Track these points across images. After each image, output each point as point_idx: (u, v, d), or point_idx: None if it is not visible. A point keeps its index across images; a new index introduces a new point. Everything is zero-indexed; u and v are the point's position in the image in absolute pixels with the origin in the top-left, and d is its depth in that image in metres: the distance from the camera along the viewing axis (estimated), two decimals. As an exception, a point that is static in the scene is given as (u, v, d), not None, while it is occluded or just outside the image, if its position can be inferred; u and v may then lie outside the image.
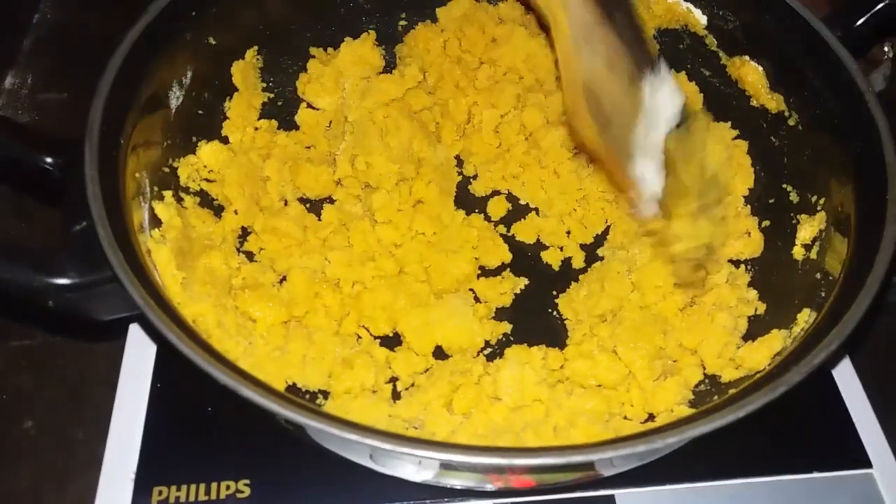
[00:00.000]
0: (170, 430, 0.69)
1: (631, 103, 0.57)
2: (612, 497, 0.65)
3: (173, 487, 0.65)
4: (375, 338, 0.70)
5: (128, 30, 0.64)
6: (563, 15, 0.56)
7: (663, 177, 0.60)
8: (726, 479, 0.66)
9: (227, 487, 0.65)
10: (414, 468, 0.58)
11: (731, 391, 0.62)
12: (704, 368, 0.65)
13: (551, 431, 0.61)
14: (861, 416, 0.69)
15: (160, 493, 0.64)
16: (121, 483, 0.65)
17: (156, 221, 0.64)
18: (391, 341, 0.69)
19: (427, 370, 0.67)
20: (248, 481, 0.65)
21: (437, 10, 0.87)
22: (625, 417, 0.63)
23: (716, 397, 0.63)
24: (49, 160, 0.61)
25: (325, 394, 0.65)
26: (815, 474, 0.66)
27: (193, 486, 0.65)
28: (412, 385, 0.66)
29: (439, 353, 0.69)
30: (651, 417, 0.63)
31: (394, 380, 0.67)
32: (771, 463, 0.66)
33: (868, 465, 0.67)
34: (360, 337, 0.69)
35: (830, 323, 0.53)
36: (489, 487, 0.62)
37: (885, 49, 0.76)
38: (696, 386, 0.65)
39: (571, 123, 0.57)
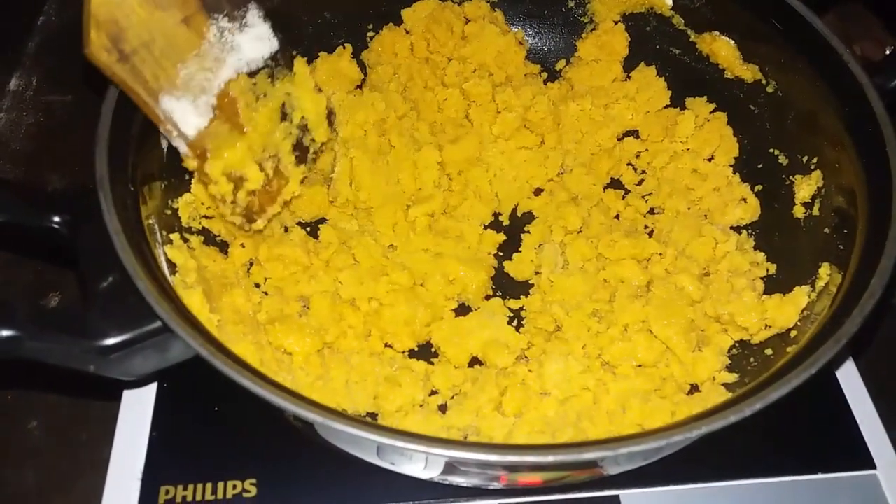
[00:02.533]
0: (176, 429, 0.68)
1: (180, 41, 0.58)
2: (616, 497, 0.66)
3: (180, 487, 0.65)
4: (402, 353, 0.69)
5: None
6: None
7: (205, 118, 0.61)
8: (730, 479, 0.67)
9: (234, 487, 0.65)
10: (421, 466, 0.58)
11: (767, 351, 0.65)
12: (735, 332, 0.68)
13: (606, 417, 0.62)
14: (865, 417, 0.71)
15: (167, 492, 0.64)
16: (127, 483, 0.65)
17: (171, 267, 0.62)
18: (419, 354, 0.69)
19: (464, 381, 0.67)
20: (254, 480, 0.65)
21: (402, 11, 0.87)
22: (663, 397, 0.65)
23: (752, 359, 0.66)
24: (56, 219, 0.58)
25: (374, 416, 0.64)
26: (819, 475, 0.67)
27: (200, 486, 0.65)
28: (458, 393, 0.66)
29: (473, 361, 0.69)
30: (695, 388, 0.66)
31: (434, 392, 0.67)
32: (775, 464, 0.68)
33: (872, 466, 0.68)
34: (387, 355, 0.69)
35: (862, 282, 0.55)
36: (496, 486, 0.63)
37: (887, 52, 0.79)
38: (730, 351, 0.68)
39: (82, 48, 0.55)
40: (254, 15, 0.63)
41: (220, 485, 0.65)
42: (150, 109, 0.59)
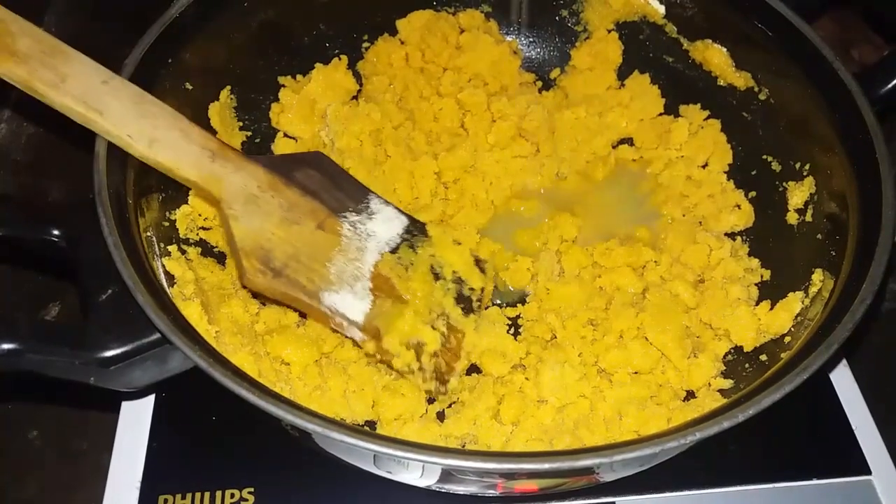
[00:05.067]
0: (174, 438, 0.69)
1: (320, 244, 0.63)
2: (613, 504, 0.67)
3: (178, 496, 0.66)
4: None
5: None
6: (217, 190, 0.60)
7: (367, 301, 0.64)
8: (726, 486, 0.68)
9: (232, 496, 0.66)
10: (418, 474, 0.59)
11: (762, 357, 0.66)
12: (729, 340, 0.68)
13: (602, 425, 0.63)
14: (860, 422, 0.71)
15: (165, 501, 0.65)
16: (126, 492, 0.66)
17: (169, 279, 0.62)
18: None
19: (462, 389, 0.68)
20: (252, 489, 0.66)
21: (397, 22, 0.87)
22: (659, 404, 0.65)
23: (747, 365, 0.66)
24: (55, 232, 0.58)
25: (372, 424, 0.65)
26: (815, 481, 0.68)
27: (198, 495, 0.66)
28: (455, 401, 0.67)
29: (471, 369, 0.69)
30: (691, 394, 0.66)
31: (431, 401, 0.67)
32: (770, 470, 0.68)
33: (867, 471, 0.69)
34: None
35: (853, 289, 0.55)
36: (492, 493, 0.63)
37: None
38: (725, 357, 0.68)
39: (239, 279, 0.62)
40: (376, 202, 0.69)
41: (218, 493, 0.66)
42: (316, 310, 0.62)
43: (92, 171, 0.58)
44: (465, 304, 0.70)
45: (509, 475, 0.54)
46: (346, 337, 0.65)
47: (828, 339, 0.52)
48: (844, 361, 0.74)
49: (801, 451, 0.70)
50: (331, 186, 0.66)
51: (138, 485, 0.66)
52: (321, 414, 0.49)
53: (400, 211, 0.71)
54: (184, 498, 0.66)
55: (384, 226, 0.68)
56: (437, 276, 0.69)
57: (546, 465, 0.47)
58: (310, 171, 0.66)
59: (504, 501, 0.69)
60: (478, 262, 0.73)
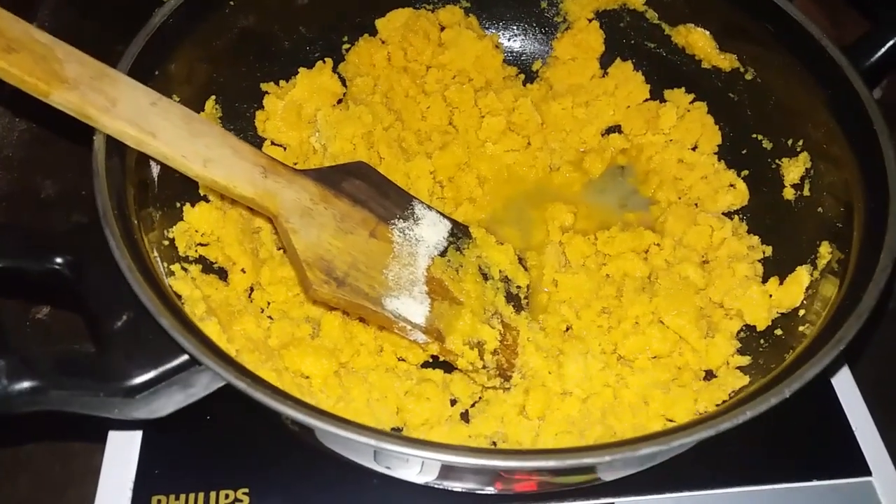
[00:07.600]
0: (168, 438, 0.68)
1: (375, 252, 0.65)
2: (612, 504, 0.67)
3: (171, 496, 0.65)
4: (416, 365, 0.69)
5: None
6: (273, 206, 0.61)
7: (426, 305, 0.66)
8: (726, 487, 0.68)
9: (226, 496, 0.65)
10: (416, 470, 0.58)
11: (777, 332, 0.67)
12: (741, 318, 0.69)
13: (629, 411, 0.63)
14: (860, 424, 0.72)
15: (158, 502, 0.65)
16: (119, 493, 0.65)
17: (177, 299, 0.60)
18: (435, 364, 0.68)
19: (485, 388, 0.67)
20: (246, 489, 0.66)
21: (376, 21, 0.86)
22: (681, 385, 0.65)
23: (762, 341, 0.67)
24: (58, 260, 0.55)
25: (397, 430, 0.63)
26: (815, 482, 0.68)
27: (192, 495, 0.65)
28: (479, 400, 0.66)
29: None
30: (710, 374, 0.67)
31: (454, 401, 0.66)
32: (771, 471, 0.69)
33: (867, 473, 0.69)
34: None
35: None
36: (491, 491, 0.63)
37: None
38: (738, 334, 0.69)
39: (305, 292, 0.65)
40: (420, 208, 0.71)
41: (213, 494, 0.65)
42: (381, 316, 0.64)
43: (93, 192, 0.55)
44: (515, 302, 0.72)
45: (509, 472, 0.53)
46: (410, 340, 0.66)
47: (834, 338, 0.52)
48: (845, 363, 0.75)
49: (801, 453, 0.71)
50: (377, 195, 0.68)
51: (131, 485, 0.65)
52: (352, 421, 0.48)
53: (442, 214, 0.73)
54: (177, 499, 0.64)
55: (430, 230, 0.70)
56: (485, 277, 0.72)
57: (546, 464, 0.47)
58: (355, 180, 0.67)
59: (503, 499, 0.69)
60: (521, 261, 0.75)
